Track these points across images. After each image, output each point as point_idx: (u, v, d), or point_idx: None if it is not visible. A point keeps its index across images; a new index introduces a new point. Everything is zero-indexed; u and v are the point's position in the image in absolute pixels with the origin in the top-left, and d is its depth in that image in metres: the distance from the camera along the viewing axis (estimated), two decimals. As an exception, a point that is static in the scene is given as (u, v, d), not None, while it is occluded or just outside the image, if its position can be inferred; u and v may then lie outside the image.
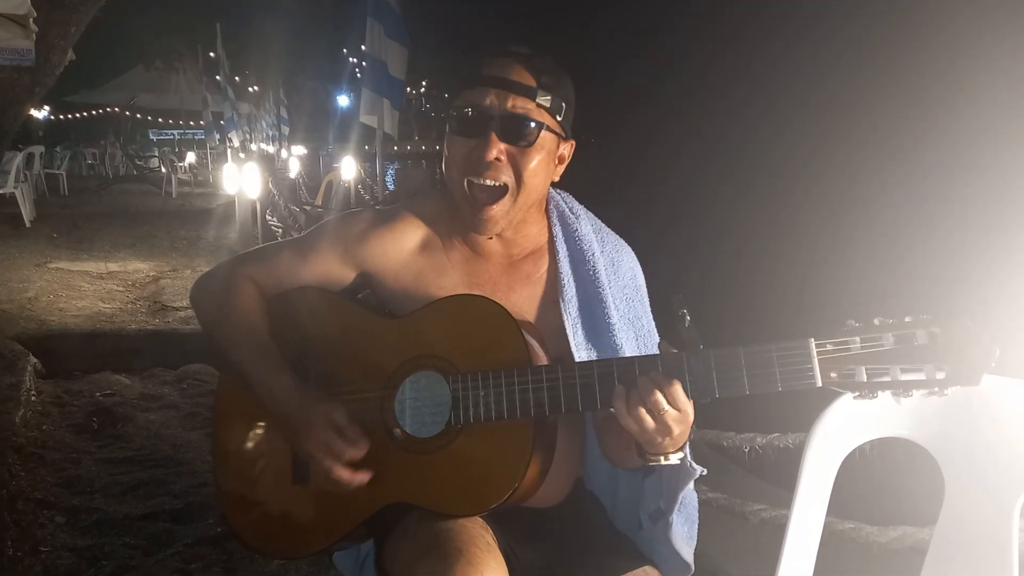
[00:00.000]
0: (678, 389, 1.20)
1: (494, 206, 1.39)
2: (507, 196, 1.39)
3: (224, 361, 1.49)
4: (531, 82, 1.37)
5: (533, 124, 1.37)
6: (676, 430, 1.22)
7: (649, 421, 1.21)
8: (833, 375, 1.18)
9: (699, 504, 1.53)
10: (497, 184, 1.38)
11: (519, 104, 1.36)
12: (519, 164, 1.38)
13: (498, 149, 1.36)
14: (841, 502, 1.51)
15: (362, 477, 1.33)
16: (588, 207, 1.59)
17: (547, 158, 1.41)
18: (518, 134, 1.37)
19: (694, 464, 1.35)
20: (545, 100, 1.37)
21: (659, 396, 1.20)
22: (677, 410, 1.21)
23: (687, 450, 1.33)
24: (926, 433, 1.39)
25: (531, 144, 1.38)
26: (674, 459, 1.27)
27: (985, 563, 1.33)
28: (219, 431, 1.53)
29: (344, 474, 1.32)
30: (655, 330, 1.55)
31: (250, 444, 1.48)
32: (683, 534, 1.45)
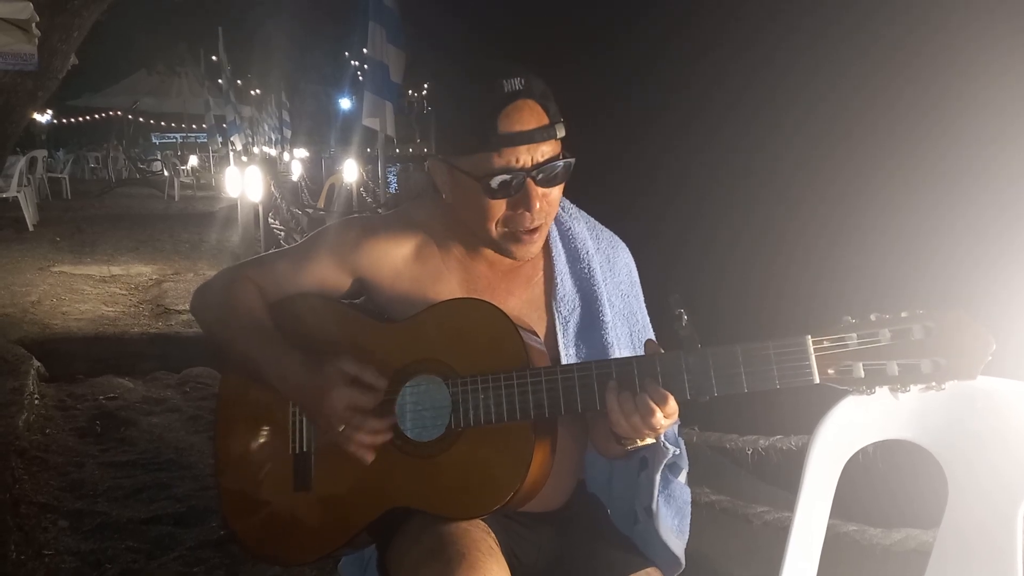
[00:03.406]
0: (673, 404, 1.23)
1: (535, 238, 1.40)
2: (545, 225, 1.41)
3: (229, 355, 1.48)
4: (545, 120, 1.34)
5: (563, 163, 1.36)
6: (662, 429, 1.27)
7: (643, 429, 1.24)
8: (830, 371, 1.19)
9: (702, 507, 1.53)
10: (542, 222, 1.39)
11: (547, 150, 1.34)
12: (554, 198, 1.39)
13: (539, 198, 1.36)
14: (844, 504, 1.51)
15: (387, 423, 1.34)
16: (580, 204, 1.60)
17: None
18: (555, 179, 1.36)
19: (667, 443, 1.39)
20: (560, 130, 1.36)
21: (658, 414, 1.23)
22: (669, 418, 1.24)
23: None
24: (930, 435, 1.38)
25: (565, 180, 1.39)
26: (649, 440, 1.30)
27: (989, 566, 1.32)
28: (221, 436, 1.52)
29: (378, 424, 1.33)
30: (650, 325, 1.56)
31: (252, 449, 1.48)
32: (673, 527, 1.46)
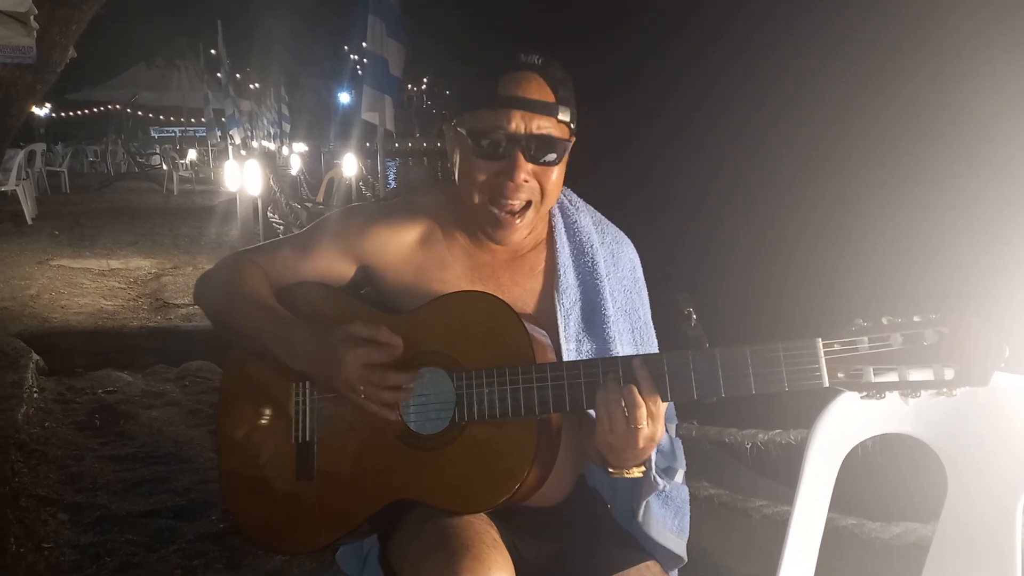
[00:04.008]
0: (658, 402, 1.23)
1: (518, 221, 1.40)
2: (531, 210, 1.41)
3: (236, 334, 1.47)
4: (551, 98, 1.36)
5: (558, 143, 1.37)
6: (641, 444, 1.25)
7: (621, 428, 1.23)
8: (840, 375, 1.18)
9: (701, 501, 1.54)
10: (523, 203, 1.39)
11: (544, 124, 1.35)
12: (544, 180, 1.39)
13: (525, 171, 1.36)
14: (843, 498, 1.51)
15: (409, 376, 1.32)
16: (585, 199, 1.60)
17: (564, 166, 1.43)
18: (545, 155, 1.37)
19: (657, 478, 1.39)
20: (565, 114, 1.37)
21: (642, 410, 1.22)
22: (653, 420, 1.24)
23: (651, 464, 1.39)
24: (929, 429, 1.38)
25: (557, 162, 1.39)
26: (636, 473, 1.30)
27: (987, 559, 1.33)
28: (223, 427, 1.53)
29: (397, 379, 1.31)
30: (651, 322, 1.56)
31: (255, 438, 1.48)
32: (672, 527, 1.47)
